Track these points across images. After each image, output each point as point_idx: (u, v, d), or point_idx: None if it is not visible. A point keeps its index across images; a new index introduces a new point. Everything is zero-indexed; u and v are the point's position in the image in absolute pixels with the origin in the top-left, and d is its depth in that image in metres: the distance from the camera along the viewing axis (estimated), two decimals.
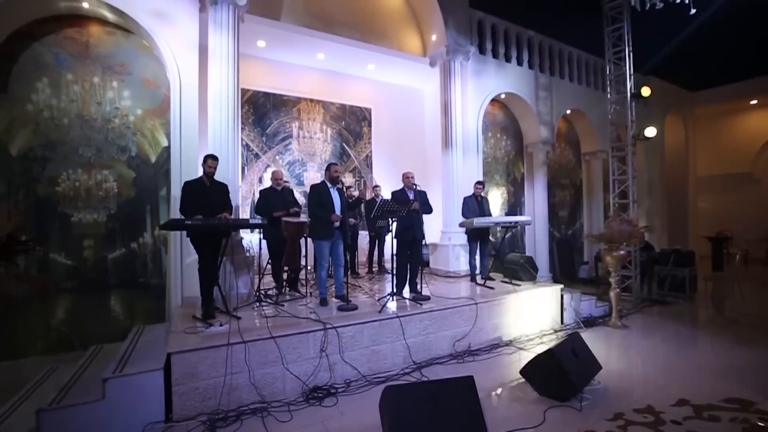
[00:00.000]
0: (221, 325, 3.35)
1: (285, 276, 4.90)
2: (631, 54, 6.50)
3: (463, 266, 6.09)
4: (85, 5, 4.07)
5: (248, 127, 7.00)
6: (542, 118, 7.60)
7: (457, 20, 6.42)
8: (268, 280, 5.23)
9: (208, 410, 2.90)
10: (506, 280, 5.35)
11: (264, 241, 4.92)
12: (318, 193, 4.15)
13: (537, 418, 2.79)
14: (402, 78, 7.88)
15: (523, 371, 3.35)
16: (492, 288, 5.03)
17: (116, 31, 4.37)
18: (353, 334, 3.60)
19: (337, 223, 4.13)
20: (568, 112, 8.39)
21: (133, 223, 4.44)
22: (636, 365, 3.99)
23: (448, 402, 2.44)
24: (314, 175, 7.62)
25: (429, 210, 4.72)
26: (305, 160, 7.58)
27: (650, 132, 6.33)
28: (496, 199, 7.62)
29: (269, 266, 5.08)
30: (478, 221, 5.03)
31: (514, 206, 7.88)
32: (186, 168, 4.33)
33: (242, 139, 6.90)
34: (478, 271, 5.59)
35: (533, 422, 2.75)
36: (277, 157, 7.28)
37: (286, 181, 6.37)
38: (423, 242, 4.87)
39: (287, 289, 4.86)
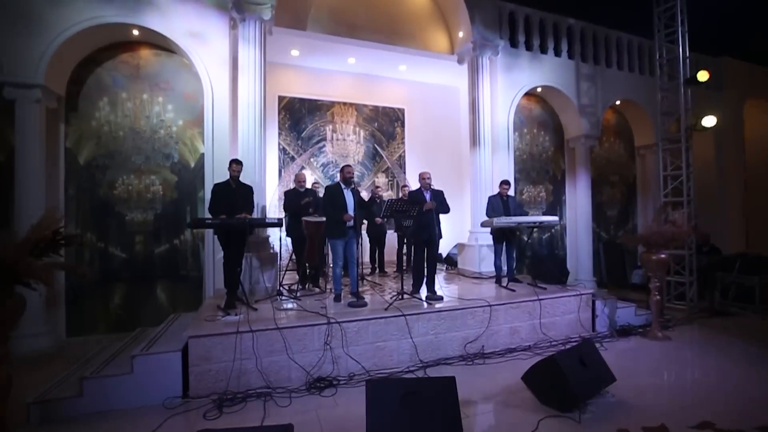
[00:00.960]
0: (236, 315, 3.69)
1: (307, 272, 5.17)
2: (686, 34, 5.80)
3: (490, 267, 5.91)
4: (135, 33, 4.68)
5: (284, 132, 7.45)
6: (585, 110, 7.08)
7: (483, 15, 6.24)
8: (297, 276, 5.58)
9: (219, 391, 3.21)
10: (532, 282, 5.12)
11: (288, 239, 5.28)
12: (331, 194, 4.33)
13: (529, 427, 2.69)
14: (435, 77, 7.83)
15: (525, 377, 3.22)
16: (513, 290, 4.86)
17: (161, 53, 4.96)
18: (358, 330, 3.72)
19: (350, 223, 4.28)
20: (618, 102, 7.70)
21: (176, 222, 5.00)
22: (664, 380, 3.61)
23: (426, 401, 2.46)
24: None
25: (445, 210, 4.70)
26: (339, 162, 7.85)
27: (709, 121, 5.60)
28: (533, 197, 7.26)
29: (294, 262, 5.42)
30: (499, 221, 4.88)
31: (553, 205, 7.44)
32: (218, 172, 4.79)
33: (279, 144, 7.38)
34: (504, 273, 5.42)
35: (524, 431, 2.66)
36: (312, 160, 7.65)
37: (316, 183, 6.73)
38: (440, 242, 4.86)
39: (310, 284, 5.13)
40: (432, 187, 4.76)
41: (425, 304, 4.18)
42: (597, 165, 7.83)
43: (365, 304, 4.11)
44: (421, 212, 4.47)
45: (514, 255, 5.55)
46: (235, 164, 4.27)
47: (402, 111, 8.35)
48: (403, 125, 8.38)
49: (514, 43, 6.62)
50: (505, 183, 5.41)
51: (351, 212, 4.31)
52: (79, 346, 4.42)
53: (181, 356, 3.21)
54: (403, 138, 8.36)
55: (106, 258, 4.73)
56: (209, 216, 4.09)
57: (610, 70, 7.39)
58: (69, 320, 4.57)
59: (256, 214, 4.73)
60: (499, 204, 5.39)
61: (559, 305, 4.69)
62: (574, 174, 7.35)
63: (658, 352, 4.23)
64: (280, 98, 7.40)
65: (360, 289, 4.52)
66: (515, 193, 7.01)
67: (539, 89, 6.99)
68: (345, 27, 6.12)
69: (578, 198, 7.23)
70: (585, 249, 7.13)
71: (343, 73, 7.62)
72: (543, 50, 6.83)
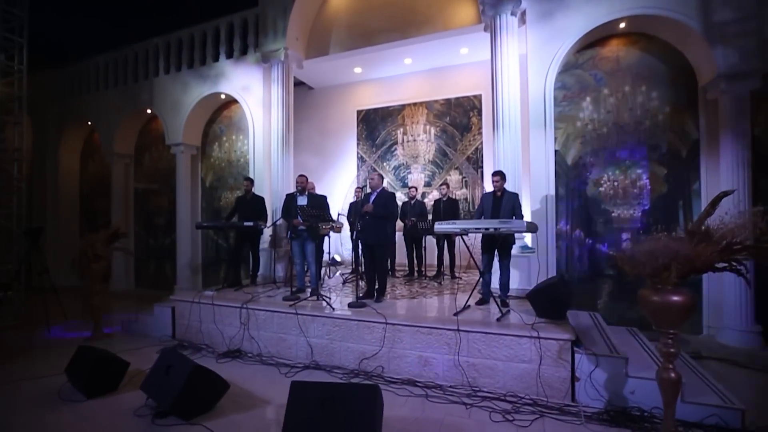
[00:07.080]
0: (212, 291, 5.15)
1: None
2: None
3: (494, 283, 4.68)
4: (222, 96, 7.04)
5: (362, 141, 8.33)
6: (723, 33, 4.00)
7: None
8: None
9: (187, 338, 4.78)
10: (502, 308, 3.88)
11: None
12: (287, 202, 5.06)
13: None
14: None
15: None
16: (455, 315, 3.90)
17: (239, 104, 7.09)
18: (265, 319, 4.38)
19: (302, 227, 4.87)
20: None
21: None
22: None
23: (174, 375, 3.05)
24: (417, 177, 7.88)
25: (384, 213, 4.43)
26: (409, 163, 7.96)
27: None
28: (623, 189, 4.78)
29: None
30: (440, 227, 3.99)
31: (668, 198, 4.59)
32: (258, 186, 6.42)
33: (357, 153, 8.35)
34: (497, 292, 4.33)
35: None
36: (384, 164, 8.15)
37: (358, 188, 7.25)
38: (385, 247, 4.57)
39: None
40: (380, 189, 4.57)
41: (321, 306, 4.24)
42: None
43: (298, 299, 4.63)
44: (363, 216, 4.44)
45: (507, 270, 4.27)
46: (246, 181, 5.76)
47: (478, 98, 7.39)
48: (479, 113, 7.40)
49: None
50: (494, 175, 4.28)
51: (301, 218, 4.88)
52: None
53: (171, 311, 5.01)
54: (480, 128, 7.39)
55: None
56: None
57: None
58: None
59: (271, 218, 6.05)
60: (488, 203, 4.36)
61: (500, 347, 3.41)
62: (716, 144, 4.30)
63: None
64: (358, 112, 8.34)
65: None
66: (586, 183, 4.97)
67: (622, 25, 4.58)
68: (363, 37, 6.36)
69: (722, 185, 4.20)
70: (731, 276, 4.07)
71: (407, 74, 7.71)
72: None
